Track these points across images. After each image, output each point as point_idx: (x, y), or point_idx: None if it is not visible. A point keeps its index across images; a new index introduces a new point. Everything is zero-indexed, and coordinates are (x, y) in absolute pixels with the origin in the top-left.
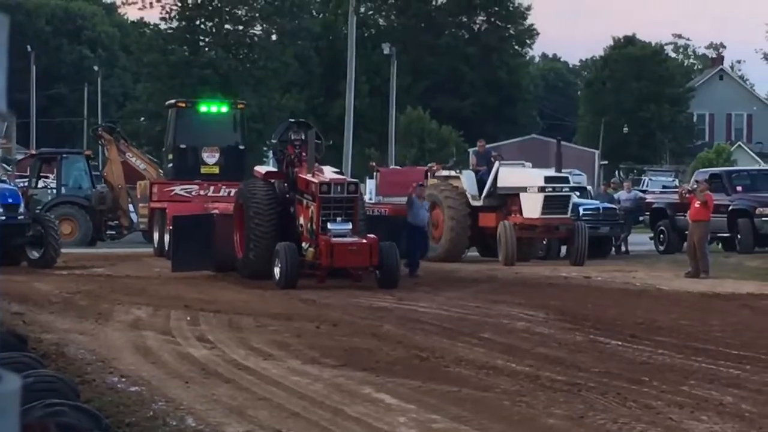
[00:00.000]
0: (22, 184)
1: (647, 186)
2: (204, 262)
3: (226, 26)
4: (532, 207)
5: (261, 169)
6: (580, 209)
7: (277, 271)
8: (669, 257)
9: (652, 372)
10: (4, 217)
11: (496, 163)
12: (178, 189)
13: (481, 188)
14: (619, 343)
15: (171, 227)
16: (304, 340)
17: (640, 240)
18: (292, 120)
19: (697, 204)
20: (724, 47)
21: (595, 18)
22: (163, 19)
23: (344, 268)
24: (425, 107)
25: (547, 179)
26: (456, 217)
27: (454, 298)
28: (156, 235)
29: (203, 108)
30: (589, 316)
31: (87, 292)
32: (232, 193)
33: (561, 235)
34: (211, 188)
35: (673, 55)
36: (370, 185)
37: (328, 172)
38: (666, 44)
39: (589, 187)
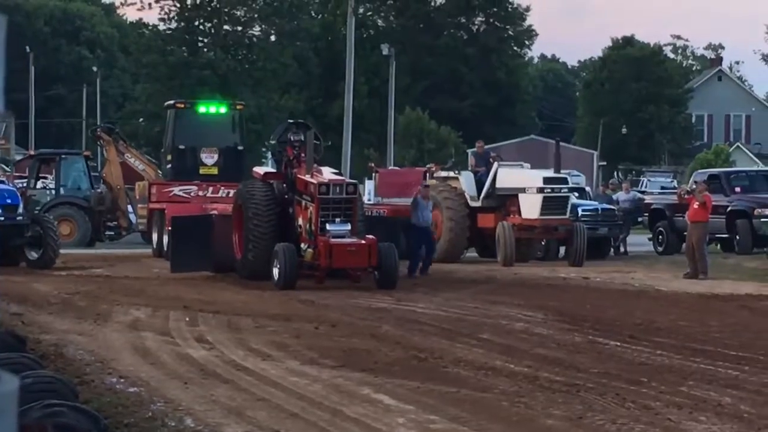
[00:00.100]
0: (20, 185)
1: (646, 187)
2: (203, 263)
3: (225, 27)
4: (530, 208)
5: (260, 169)
6: (579, 210)
7: (275, 271)
8: (668, 258)
9: (651, 373)
10: (3, 218)
11: (495, 164)
12: (176, 190)
13: (479, 189)
14: (618, 343)
15: (170, 228)
16: (303, 340)
17: (638, 241)
18: (291, 121)
19: (695, 205)
20: (723, 48)
21: (594, 19)
22: (162, 19)
23: (343, 269)
24: (424, 108)
25: (546, 180)
26: (455, 218)
27: (452, 299)
28: (155, 236)
29: (202, 109)
30: (588, 316)
31: (86, 292)
32: (230, 194)
33: (560, 235)
34: (210, 189)
35: (671, 56)
36: (368, 186)
37: (327, 173)
38: (665, 45)
39: (587, 188)
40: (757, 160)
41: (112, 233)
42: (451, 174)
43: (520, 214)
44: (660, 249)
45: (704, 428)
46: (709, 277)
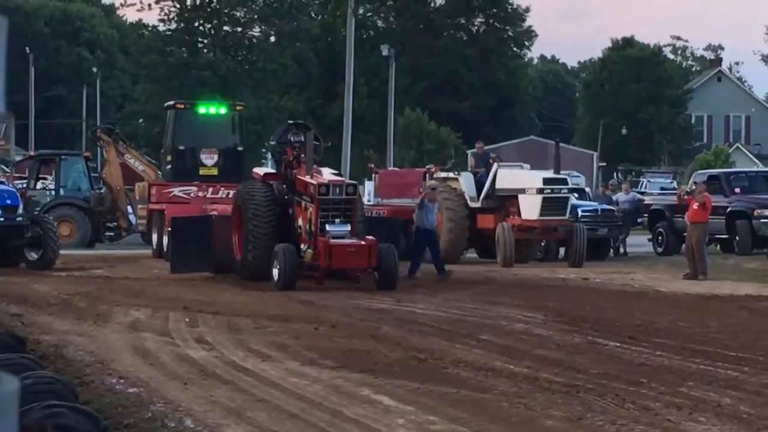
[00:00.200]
0: (20, 186)
1: (645, 188)
2: (202, 264)
3: (225, 28)
4: (530, 208)
5: (259, 170)
6: (579, 211)
7: (275, 272)
8: (667, 259)
9: (651, 373)
10: (2, 219)
11: (495, 165)
12: (176, 190)
13: (479, 190)
14: (618, 344)
15: (170, 229)
16: (303, 341)
17: (638, 242)
18: (291, 121)
19: (695, 206)
20: (723, 49)
21: (594, 20)
22: (161, 20)
23: (343, 270)
24: (424, 109)
25: (546, 181)
26: (454, 219)
27: (452, 300)
28: (155, 237)
29: (202, 110)
30: (588, 317)
31: (86, 293)
32: (230, 195)
33: (559, 236)
34: (210, 190)
35: (671, 56)
36: (368, 187)
37: (327, 174)
38: (664, 46)
39: (587, 189)
40: (756, 161)
41: (112, 234)
42: (451, 175)
43: (519, 215)
44: (659, 250)
45: (704, 429)
46: (708, 277)
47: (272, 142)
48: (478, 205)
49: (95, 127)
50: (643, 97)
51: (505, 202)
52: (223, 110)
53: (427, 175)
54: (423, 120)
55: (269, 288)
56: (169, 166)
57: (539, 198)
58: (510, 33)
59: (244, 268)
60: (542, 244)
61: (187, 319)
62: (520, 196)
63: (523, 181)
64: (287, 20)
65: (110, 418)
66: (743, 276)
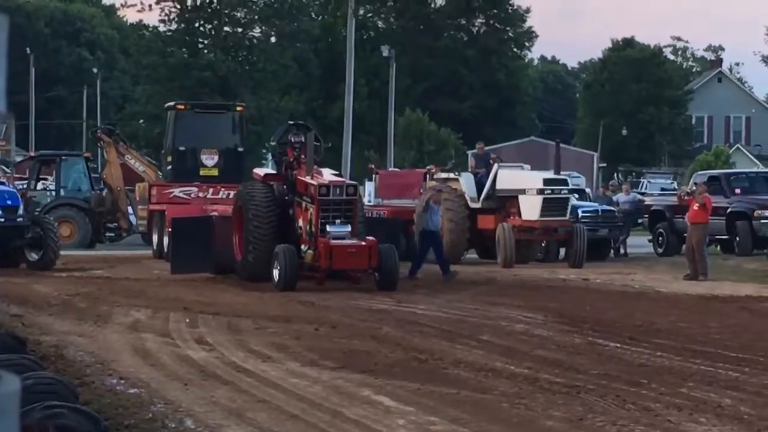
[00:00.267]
0: (21, 186)
1: (646, 188)
2: (203, 265)
3: (225, 28)
4: (530, 209)
5: (260, 171)
6: (579, 211)
7: (276, 273)
8: (667, 259)
9: (651, 374)
10: (3, 219)
11: (495, 166)
12: (177, 191)
13: (479, 190)
14: (618, 345)
15: (170, 229)
16: (303, 342)
17: (638, 242)
18: (291, 122)
19: (695, 206)
20: (723, 50)
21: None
22: (162, 21)
23: (343, 271)
24: (424, 109)
25: (546, 181)
26: (455, 219)
27: (452, 301)
28: (155, 238)
29: (202, 110)
30: (588, 318)
31: (86, 294)
32: (231, 196)
33: (560, 237)
34: (210, 190)
35: (671, 57)
36: (369, 187)
37: (327, 175)
38: (665, 47)
39: (587, 190)
40: (757, 162)
41: (113, 235)
42: (451, 175)
43: (520, 216)
44: (660, 250)
45: (704, 430)
46: (709, 278)
47: (273, 143)
48: (478, 205)
49: (96, 128)
50: (643, 97)
51: (506, 202)
52: (223, 111)
53: (428, 176)
54: (423, 121)
55: (270, 289)
56: (169, 167)
57: (539, 199)
58: (510, 34)
59: (245, 269)
60: (542, 244)
61: (187, 320)
62: (521, 197)
63: (523, 181)
64: (288, 21)
65: (111, 419)
66: (743, 277)
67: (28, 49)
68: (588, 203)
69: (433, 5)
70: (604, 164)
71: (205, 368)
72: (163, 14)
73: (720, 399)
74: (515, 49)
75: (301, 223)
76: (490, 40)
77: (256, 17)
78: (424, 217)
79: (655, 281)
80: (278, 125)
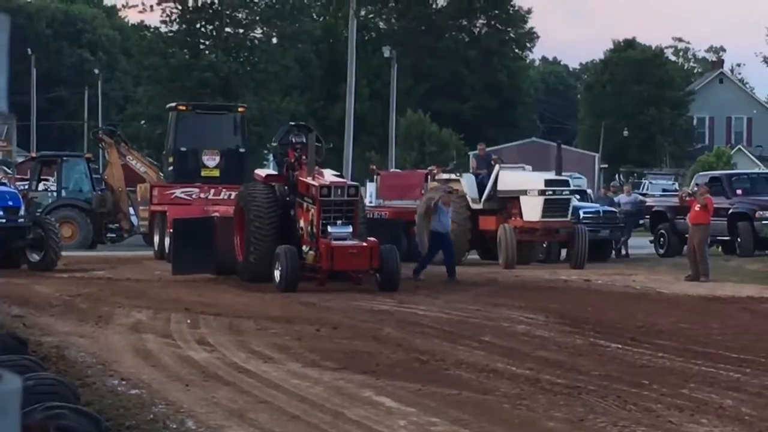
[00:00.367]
0: (22, 187)
1: (647, 189)
2: (204, 265)
3: (227, 29)
4: (532, 210)
5: (261, 172)
6: (581, 212)
7: (277, 274)
8: (669, 260)
9: (652, 375)
10: (4, 220)
11: (497, 167)
12: (178, 192)
13: (481, 191)
14: (619, 346)
15: (171, 230)
16: (305, 343)
17: (640, 243)
18: (293, 123)
19: (697, 207)
20: (724, 51)
21: (596, 21)
22: (163, 22)
23: (344, 271)
24: (425, 110)
25: (548, 182)
26: (456, 221)
27: (454, 301)
28: (156, 238)
29: (203, 111)
30: (589, 319)
31: (87, 295)
32: (232, 196)
33: (561, 238)
34: (212, 191)
35: (673, 58)
36: (370, 188)
37: (329, 175)
38: (666, 48)
39: (589, 191)
40: (758, 163)
41: (114, 235)
42: (453, 176)
43: (521, 217)
44: (661, 251)
45: (706, 431)
46: (710, 279)
47: (274, 144)
48: (479, 206)
49: (97, 129)
50: (644, 98)
51: (507, 203)
52: (224, 112)
53: (429, 177)
54: (425, 121)
55: (271, 289)
56: (170, 168)
57: (541, 199)
58: (512, 35)
59: (246, 270)
60: (544, 245)
61: (188, 321)
62: (522, 198)
63: (524, 182)
64: (289, 22)
65: (112, 420)
66: (745, 277)
67: (29, 49)
68: (589, 204)
69: (434, 6)
70: (606, 165)
71: (207, 369)
72: (164, 15)
73: (721, 400)
74: (517, 50)
75: (302, 223)
76: (492, 40)
77: (258, 18)
78: (433, 218)
79: (657, 282)
80: (279, 126)
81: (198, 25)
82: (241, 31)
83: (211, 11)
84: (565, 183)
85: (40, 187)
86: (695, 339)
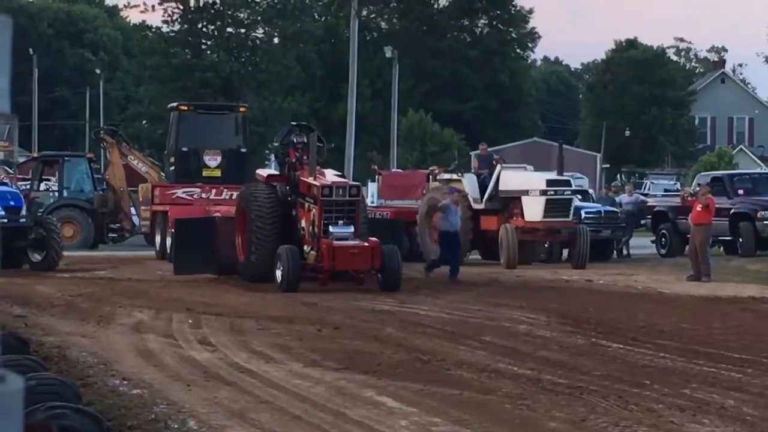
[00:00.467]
0: (24, 187)
1: (649, 189)
2: (206, 265)
3: (228, 29)
4: (533, 210)
5: (263, 172)
6: (582, 212)
7: (278, 274)
8: (671, 260)
9: (654, 375)
10: (6, 220)
11: (498, 167)
12: (180, 192)
13: (482, 191)
14: (621, 346)
15: (173, 230)
16: (306, 343)
17: (641, 243)
18: (294, 123)
19: (698, 207)
20: (726, 51)
21: (597, 21)
22: (165, 22)
23: (346, 271)
24: (427, 110)
25: (549, 182)
26: None
27: (455, 302)
28: (158, 238)
29: (205, 111)
30: (591, 319)
31: (89, 294)
32: (233, 196)
33: (563, 238)
34: (213, 191)
35: (674, 58)
36: (371, 188)
37: (330, 175)
38: (668, 48)
39: (590, 191)
40: (760, 163)
41: (115, 235)
42: (454, 176)
43: (523, 217)
44: (663, 251)
45: (707, 431)
46: (712, 279)
47: (275, 144)
48: (481, 206)
49: (98, 129)
50: (646, 98)
51: (509, 203)
52: (226, 112)
53: (431, 177)
54: (426, 121)
55: (272, 289)
56: (172, 168)
57: (543, 200)
58: (513, 35)
59: (248, 270)
60: (546, 245)
61: (190, 321)
62: (524, 198)
63: (526, 182)
64: (290, 22)
65: (113, 420)
66: (747, 278)
67: (31, 50)
68: (591, 204)
69: (436, 6)
70: (607, 165)
71: (208, 369)
72: (166, 15)
73: (723, 400)
74: (518, 50)
75: (303, 223)
76: (493, 41)
77: (259, 18)
78: (440, 217)
79: (658, 282)
80: (281, 126)
81: (199, 25)
82: (242, 31)
83: (212, 11)
84: (567, 183)
85: (42, 187)
86: (697, 339)
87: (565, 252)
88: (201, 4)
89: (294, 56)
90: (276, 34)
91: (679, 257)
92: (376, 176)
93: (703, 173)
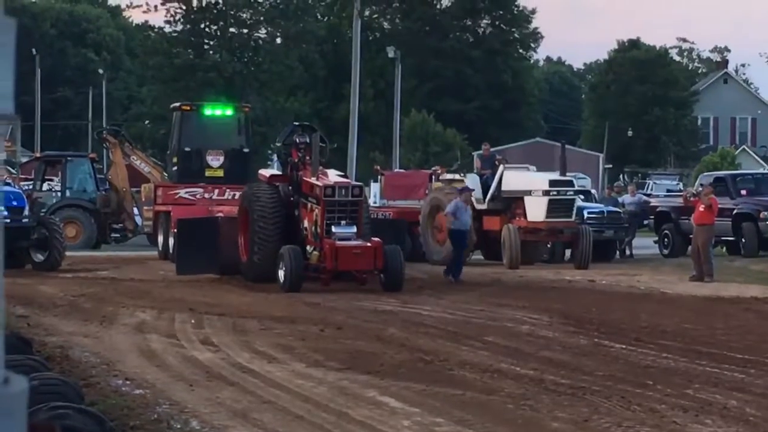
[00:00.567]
0: (26, 187)
1: (652, 189)
2: (208, 266)
3: (231, 29)
4: (536, 210)
5: (265, 172)
6: (585, 213)
7: (281, 274)
8: (673, 261)
9: (657, 376)
10: (8, 220)
11: (501, 167)
12: (182, 192)
13: (485, 192)
14: (624, 346)
15: (175, 230)
16: (309, 343)
17: (644, 243)
18: (297, 123)
19: (701, 208)
20: (729, 51)
21: (600, 21)
22: (167, 22)
23: (349, 272)
24: (430, 110)
25: (552, 183)
26: None
27: (458, 302)
28: (160, 238)
29: (208, 111)
30: (594, 319)
31: (91, 295)
32: (236, 197)
33: (565, 238)
34: (216, 191)
35: (677, 58)
36: (374, 188)
37: (333, 176)
38: (670, 48)
39: (593, 191)
40: (763, 163)
41: (118, 235)
42: (457, 177)
43: (525, 217)
44: (666, 252)
45: (710, 431)
46: (714, 280)
47: (278, 144)
48: (484, 206)
49: (101, 129)
50: (649, 98)
51: (511, 203)
52: (229, 112)
53: (433, 177)
54: (429, 122)
55: (275, 289)
56: (174, 168)
57: (545, 200)
58: (516, 35)
59: (250, 270)
60: (548, 246)
61: (192, 321)
62: (526, 198)
63: (529, 183)
64: (293, 22)
65: (116, 420)
66: (749, 278)
67: (33, 49)
68: (594, 204)
69: (438, 6)
70: (610, 165)
71: (211, 369)
72: (168, 15)
73: (726, 400)
74: (521, 50)
75: (306, 224)
76: (496, 41)
77: (262, 18)
78: (453, 218)
79: (661, 282)
80: (284, 126)
81: (202, 25)
82: (245, 31)
83: (215, 11)
84: (570, 183)
85: (45, 187)
86: (699, 339)
87: (568, 252)
88: (203, 4)
89: (296, 56)
90: (278, 34)
91: (681, 257)
92: (379, 176)
93: (705, 173)
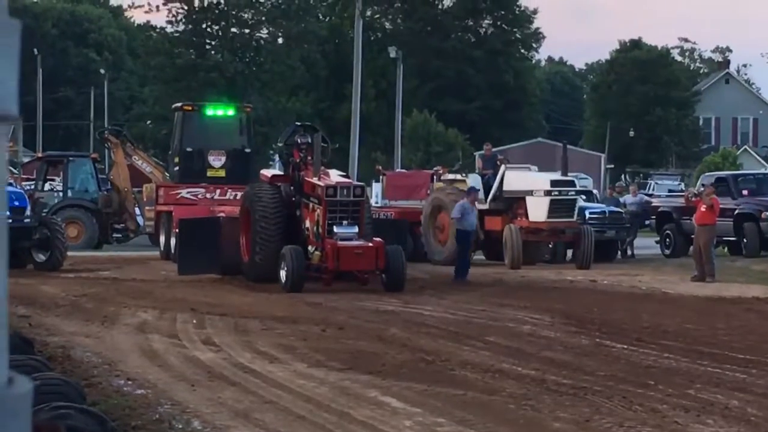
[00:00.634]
0: (28, 187)
1: (653, 190)
2: (210, 266)
3: (233, 29)
4: (538, 210)
5: (267, 172)
6: (586, 213)
7: (283, 274)
8: (675, 261)
9: (658, 376)
10: (10, 220)
11: (502, 167)
12: (184, 192)
13: (487, 192)
14: (625, 346)
15: (177, 230)
16: (310, 343)
17: (646, 244)
18: (299, 123)
19: (703, 208)
20: (731, 51)
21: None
22: (169, 22)
23: (350, 272)
24: (431, 110)
25: (553, 183)
26: None
27: (459, 302)
28: (162, 238)
29: (209, 111)
30: (595, 319)
31: (93, 295)
32: (238, 197)
33: (567, 238)
34: (218, 191)
35: (679, 58)
36: (376, 189)
37: (334, 176)
38: (672, 48)
39: (595, 191)
40: (764, 163)
41: (120, 235)
42: (459, 177)
43: (527, 217)
44: (667, 252)
45: (711, 431)
46: (716, 280)
47: (280, 144)
48: (485, 207)
49: (103, 129)
50: (650, 99)
51: (513, 204)
52: (230, 112)
53: (435, 177)
54: (430, 122)
55: (276, 290)
56: (176, 168)
57: (547, 200)
58: (517, 35)
59: (252, 270)
60: (550, 246)
61: (194, 321)
62: (528, 198)
63: (530, 183)
64: (295, 22)
65: (117, 420)
66: (751, 278)
67: (35, 50)
68: (595, 204)
69: (440, 6)
70: (612, 166)
71: (212, 369)
72: (170, 15)
73: (727, 401)
74: (522, 51)
75: (308, 224)
76: (498, 41)
77: (264, 18)
78: (459, 218)
79: (663, 283)
80: (285, 126)
81: (204, 26)
82: (246, 31)
83: (217, 11)
84: (571, 183)
85: (46, 187)
86: (701, 339)
87: (570, 252)
88: (205, 4)
89: (298, 56)
90: (280, 34)
91: (683, 258)
92: (381, 176)
93: (707, 173)
